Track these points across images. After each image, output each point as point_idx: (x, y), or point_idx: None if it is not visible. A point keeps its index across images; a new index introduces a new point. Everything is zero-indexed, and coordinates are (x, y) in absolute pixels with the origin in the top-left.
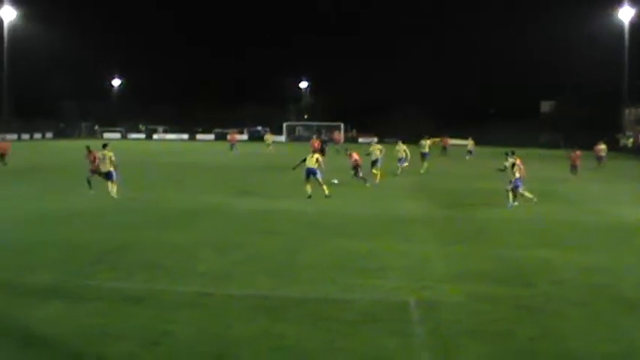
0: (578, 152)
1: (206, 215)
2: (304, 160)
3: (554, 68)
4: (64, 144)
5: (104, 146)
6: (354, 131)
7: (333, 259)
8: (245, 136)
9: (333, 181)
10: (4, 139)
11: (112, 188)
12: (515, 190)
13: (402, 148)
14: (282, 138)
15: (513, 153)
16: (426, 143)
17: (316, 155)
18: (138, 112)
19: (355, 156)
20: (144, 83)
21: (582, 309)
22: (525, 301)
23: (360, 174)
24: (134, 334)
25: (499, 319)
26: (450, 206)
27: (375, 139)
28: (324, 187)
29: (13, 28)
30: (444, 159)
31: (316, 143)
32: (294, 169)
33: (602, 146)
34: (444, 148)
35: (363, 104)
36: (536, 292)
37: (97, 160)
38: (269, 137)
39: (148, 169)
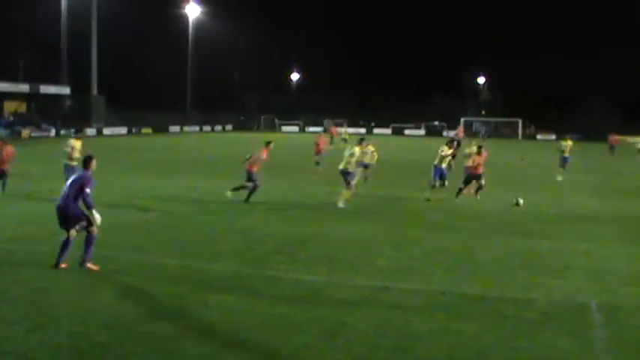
0: None
1: (385, 209)
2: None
3: None
4: (246, 136)
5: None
6: (532, 127)
7: (513, 256)
8: (423, 131)
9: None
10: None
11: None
12: None
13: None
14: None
15: None
16: (567, 145)
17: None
18: (316, 105)
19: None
20: (322, 78)
21: None
22: None
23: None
24: (312, 326)
25: None
26: (630, 205)
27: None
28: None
29: (198, 25)
30: (611, 160)
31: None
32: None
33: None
34: (612, 147)
35: (542, 99)
36: None
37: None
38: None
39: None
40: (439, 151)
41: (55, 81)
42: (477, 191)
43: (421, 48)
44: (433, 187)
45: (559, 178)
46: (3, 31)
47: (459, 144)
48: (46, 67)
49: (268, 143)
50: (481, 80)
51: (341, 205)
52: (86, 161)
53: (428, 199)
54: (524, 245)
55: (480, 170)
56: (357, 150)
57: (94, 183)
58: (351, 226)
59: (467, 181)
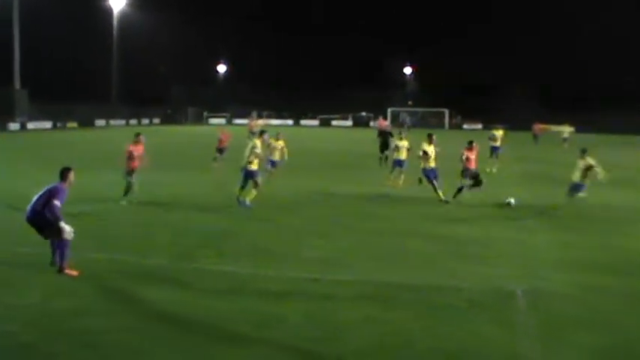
0: None
1: (313, 201)
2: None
3: None
4: (172, 129)
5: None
6: (459, 117)
7: (443, 245)
8: (350, 122)
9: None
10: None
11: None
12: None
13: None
14: (388, 124)
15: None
16: (499, 135)
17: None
18: (243, 97)
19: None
20: (249, 69)
21: None
22: (636, 291)
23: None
24: (241, 318)
25: (609, 310)
26: (557, 194)
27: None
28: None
29: (123, 17)
30: (536, 148)
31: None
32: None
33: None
34: (535, 136)
35: (469, 89)
36: None
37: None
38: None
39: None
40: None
41: None
42: (472, 186)
43: (348, 38)
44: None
45: (493, 170)
46: None
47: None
48: None
49: (137, 135)
50: (408, 70)
51: (248, 203)
52: (62, 173)
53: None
54: (451, 234)
55: (473, 165)
56: (257, 143)
57: (65, 196)
58: (277, 218)
59: (473, 178)
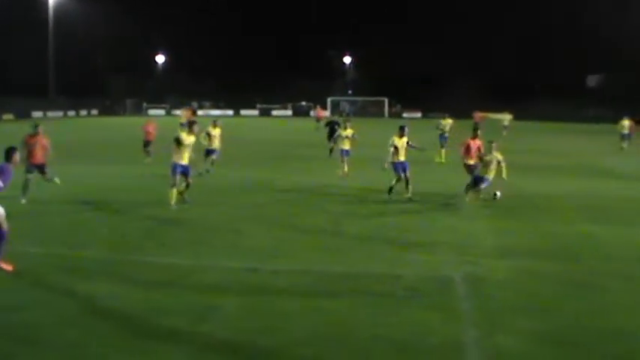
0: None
1: (253, 191)
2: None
3: (601, 43)
4: (110, 121)
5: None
6: (399, 106)
7: (381, 234)
8: (290, 112)
9: None
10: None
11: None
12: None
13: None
14: (328, 113)
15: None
16: (447, 124)
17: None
18: (183, 88)
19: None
20: (188, 59)
21: (630, 284)
22: (572, 277)
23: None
24: (181, 311)
25: (546, 295)
26: (495, 182)
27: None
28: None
29: (59, 7)
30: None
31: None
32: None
33: (626, 122)
34: (476, 124)
35: (408, 78)
36: (583, 268)
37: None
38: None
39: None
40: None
41: None
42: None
43: (288, 27)
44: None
45: (442, 160)
46: None
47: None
48: None
49: (35, 127)
50: (347, 60)
51: (174, 205)
52: (7, 153)
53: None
54: (390, 222)
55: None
56: (185, 137)
57: (11, 177)
58: (216, 209)
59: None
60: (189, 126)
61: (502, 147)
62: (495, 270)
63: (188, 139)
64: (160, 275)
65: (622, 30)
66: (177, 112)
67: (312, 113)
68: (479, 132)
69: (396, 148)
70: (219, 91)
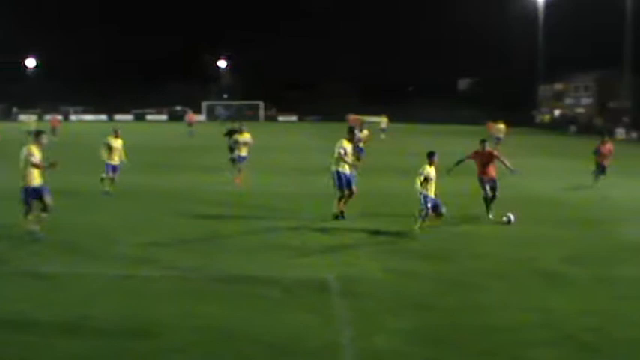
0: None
1: (129, 196)
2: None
3: (471, 47)
4: None
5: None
6: (274, 109)
7: (256, 237)
8: (165, 117)
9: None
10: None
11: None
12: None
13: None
14: (203, 118)
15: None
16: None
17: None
18: (55, 93)
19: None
20: (60, 63)
21: (502, 281)
22: (446, 276)
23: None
24: (52, 321)
25: (420, 294)
26: (368, 183)
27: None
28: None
29: None
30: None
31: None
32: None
33: (501, 126)
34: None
35: (285, 82)
36: (457, 266)
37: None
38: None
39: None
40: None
41: None
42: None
43: (163, 32)
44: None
45: None
46: None
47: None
48: None
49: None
50: (222, 64)
51: (39, 233)
52: None
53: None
54: (264, 225)
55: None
56: (33, 150)
57: None
58: (88, 215)
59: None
60: (36, 136)
61: (381, 150)
62: (370, 270)
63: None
64: (32, 285)
65: (493, 34)
66: (23, 117)
67: (186, 118)
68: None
69: (345, 153)
70: (94, 96)
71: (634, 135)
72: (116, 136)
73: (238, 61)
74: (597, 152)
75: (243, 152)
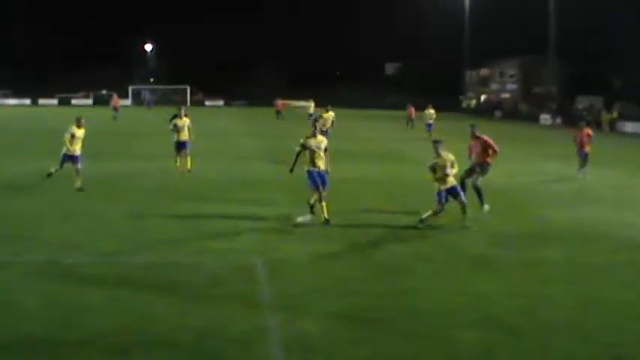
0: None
1: (52, 182)
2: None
3: (400, 32)
4: None
5: None
6: (201, 94)
7: (183, 223)
8: (90, 101)
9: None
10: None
11: None
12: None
13: None
14: (129, 102)
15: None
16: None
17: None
18: None
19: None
20: None
21: (428, 265)
22: (372, 260)
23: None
24: None
25: (346, 278)
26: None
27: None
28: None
29: None
30: (280, 124)
31: None
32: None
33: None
34: (278, 112)
35: (212, 66)
36: (383, 250)
37: None
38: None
39: None
40: None
41: None
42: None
43: (89, 15)
44: None
45: None
46: None
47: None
48: None
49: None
50: (149, 47)
51: None
52: None
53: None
54: (193, 211)
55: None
56: None
57: None
58: (12, 201)
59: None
60: None
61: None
62: (297, 255)
63: None
64: None
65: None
66: None
67: (111, 103)
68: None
69: (305, 147)
70: (15, 81)
71: (559, 120)
72: (79, 125)
73: (165, 45)
74: (576, 140)
75: (183, 137)
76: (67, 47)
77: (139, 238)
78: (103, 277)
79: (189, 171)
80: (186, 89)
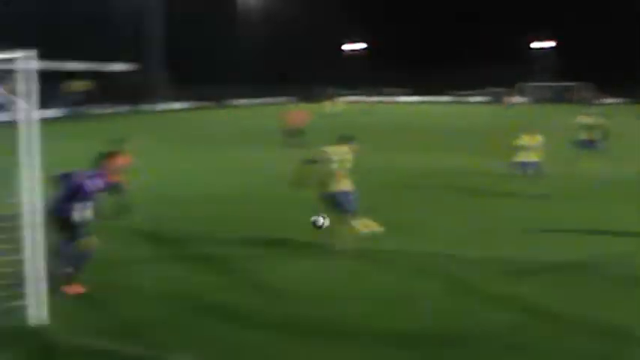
0: None
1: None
2: None
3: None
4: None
5: None
6: (590, 91)
7: None
8: (484, 98)
9: None
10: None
11: None
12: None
13: None
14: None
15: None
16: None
17: None
18: (373, 75)
19: None
20: (377, 47)
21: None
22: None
23: None
24: None
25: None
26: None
27: None
28: None
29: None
30: None
31: None
32: None
33: None
34: None
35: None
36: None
37: None
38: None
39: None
40: None
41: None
42: None
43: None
44: None
45: None
46: None
47: None
48: None
49: None
50: (545, 44)
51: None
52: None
53: None
54: None
55: None
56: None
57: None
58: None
59: None
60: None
61: None
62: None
63: None
64: None
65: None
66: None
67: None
68: None
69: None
70: (410, 79)
71: None
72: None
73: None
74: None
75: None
76: (458, 46)
77: None
78: None
79: None
80: (573, 86)
